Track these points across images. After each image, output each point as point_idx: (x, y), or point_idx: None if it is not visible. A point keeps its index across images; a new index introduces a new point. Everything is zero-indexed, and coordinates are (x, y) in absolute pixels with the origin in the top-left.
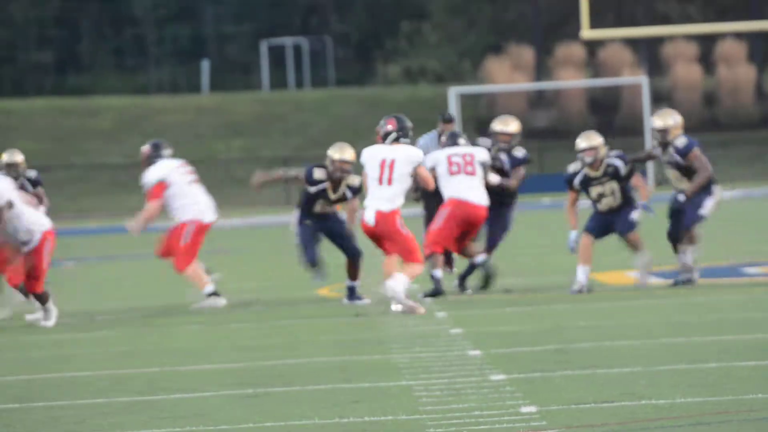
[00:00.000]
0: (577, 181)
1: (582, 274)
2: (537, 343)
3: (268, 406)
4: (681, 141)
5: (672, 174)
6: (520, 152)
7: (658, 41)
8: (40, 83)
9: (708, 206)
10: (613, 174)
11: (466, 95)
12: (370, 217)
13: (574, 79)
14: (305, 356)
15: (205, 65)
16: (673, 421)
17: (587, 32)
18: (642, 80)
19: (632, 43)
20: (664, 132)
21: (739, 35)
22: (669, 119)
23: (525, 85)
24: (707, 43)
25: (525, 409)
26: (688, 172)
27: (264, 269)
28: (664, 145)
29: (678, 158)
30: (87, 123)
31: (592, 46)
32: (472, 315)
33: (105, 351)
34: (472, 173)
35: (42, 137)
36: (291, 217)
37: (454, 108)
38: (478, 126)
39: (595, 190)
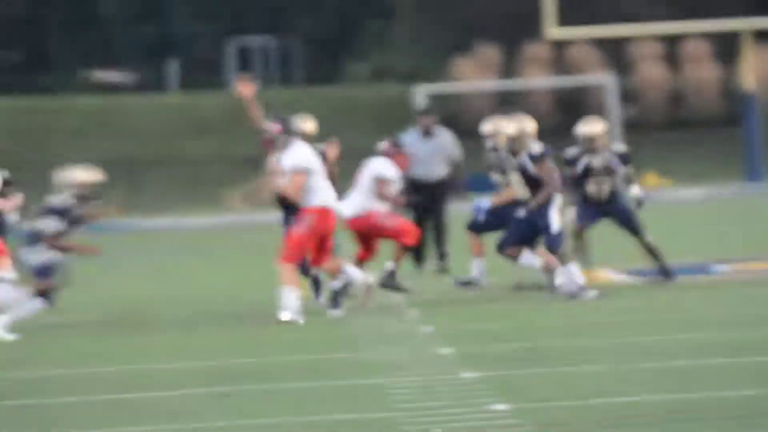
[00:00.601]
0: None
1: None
2: (508, 341)
3: (241, 405)
4: (536, 148)
5: (516, 180)
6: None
7: (624, 40)
8: (7, 82)
9: (555, 221)
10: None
11: (434, 95)
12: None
13: (541, 78)
14: (275, 355)
15: (173, 64)
16: (644, 419)
17: (553, 31)
18: (608, 79)
19: (599, 42)
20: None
21: (704, 34)
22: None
23: (490, 83)
24: (673, 42)
25: (497, 407)
26: (534, 181)
27: (233, 269)
28: (514, 152)
29: (529, 165)
30: (54, 123)
31: (559, 45)
32: (443, 313)
33: (72, 350)
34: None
35: (8, 137)
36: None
37: (419, 107)
38: (446, 126)
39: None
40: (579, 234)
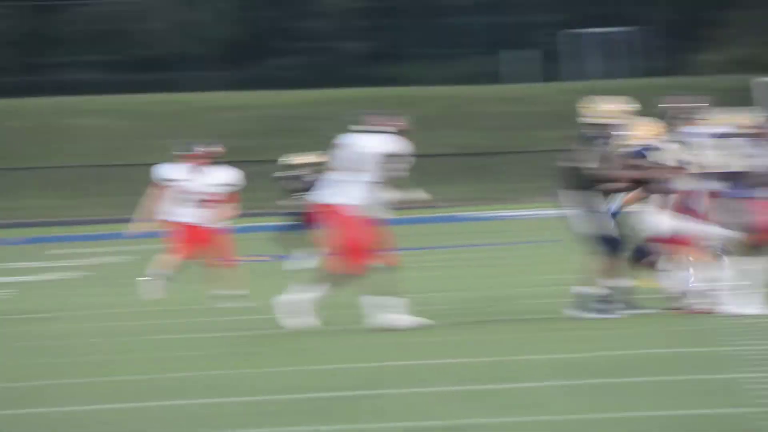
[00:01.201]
0: None
1: None
2: None
3: (601, 397)
4: None
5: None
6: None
7: None
8: (356, 73)
9: None
10: None
11: None
12: None
13: None
14: (634, 347)
15: (524, 54)
16: None
17: None
18: None
19: None
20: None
21: None
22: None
23: None
24: None
25: None
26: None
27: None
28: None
29: None
30: (405, 112)
31: None
32: None
33: (423, 341)
34: None
35: None
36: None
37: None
38: None
39: None
40: None
